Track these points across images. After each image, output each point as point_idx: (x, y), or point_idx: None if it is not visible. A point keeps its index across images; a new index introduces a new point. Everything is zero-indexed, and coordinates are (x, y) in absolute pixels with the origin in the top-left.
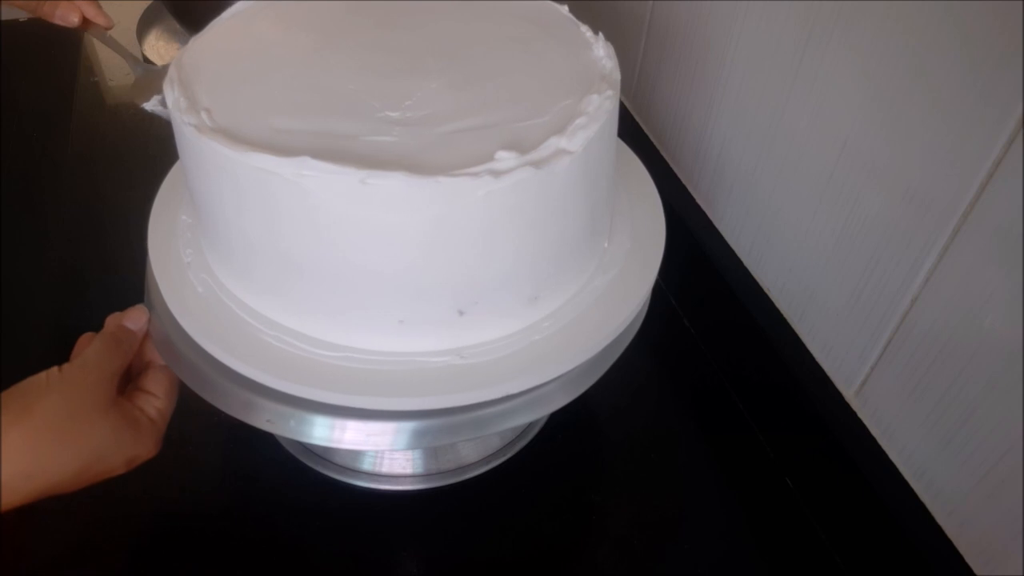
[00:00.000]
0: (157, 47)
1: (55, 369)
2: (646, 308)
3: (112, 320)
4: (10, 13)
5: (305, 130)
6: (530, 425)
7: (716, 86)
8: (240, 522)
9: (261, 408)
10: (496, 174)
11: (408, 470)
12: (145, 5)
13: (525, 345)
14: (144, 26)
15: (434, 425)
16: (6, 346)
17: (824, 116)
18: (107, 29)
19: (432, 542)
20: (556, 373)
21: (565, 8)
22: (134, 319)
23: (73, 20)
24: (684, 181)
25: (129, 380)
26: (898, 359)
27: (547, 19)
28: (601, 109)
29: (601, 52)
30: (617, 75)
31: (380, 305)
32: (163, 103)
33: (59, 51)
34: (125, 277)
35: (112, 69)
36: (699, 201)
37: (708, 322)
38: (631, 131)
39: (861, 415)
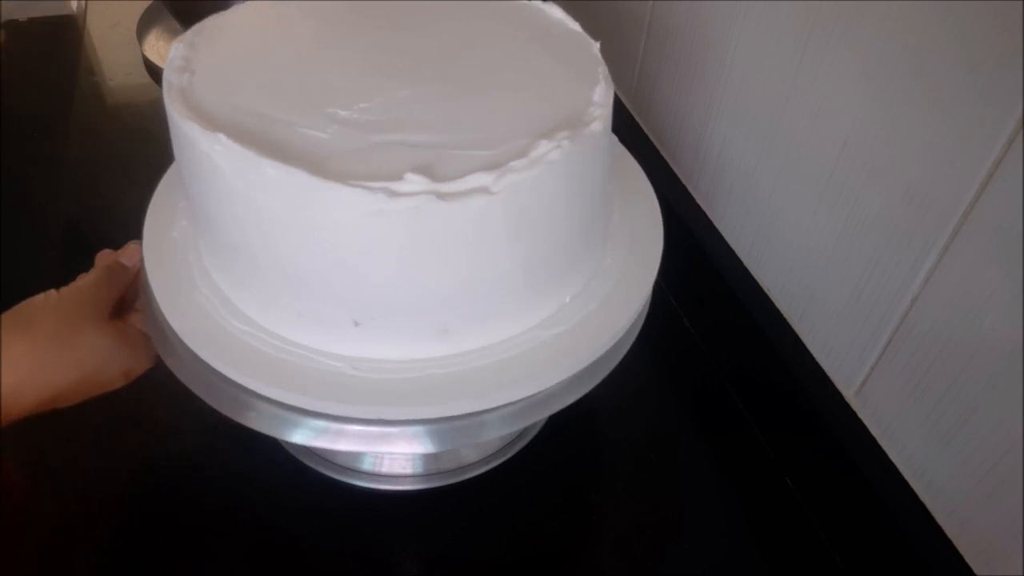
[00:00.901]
0: (157, 47)
1: (53, 291)
2: (647, 309)
3: (105, 255)
4: (10, 13)
5: (252, 112)
6: (530, 425)
7: (716, 86)
8: (240, 522)
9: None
10: (392, 194)
11: (408, 470)
12: (145, 5)
13: (526, 350)
14: (144, 26)
15: (435, 429)
16: None
17: (824, 116)
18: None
19: (432, 542)
20: (554, 381)
21: (581, 30)
22: (129, 255)
23: None
24: (684, 181)
25: (123, 309)
26: (898, 359)
27: (559, 38)
28: (543, 159)
29: (596, 95)
30: (599, 124)
31: (331, 307)
32: None
33: (59, 51)
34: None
35: (112, 69)
36: (699, 201)
37: (708, 322)
38: (631, 131)
39: (861, 415)
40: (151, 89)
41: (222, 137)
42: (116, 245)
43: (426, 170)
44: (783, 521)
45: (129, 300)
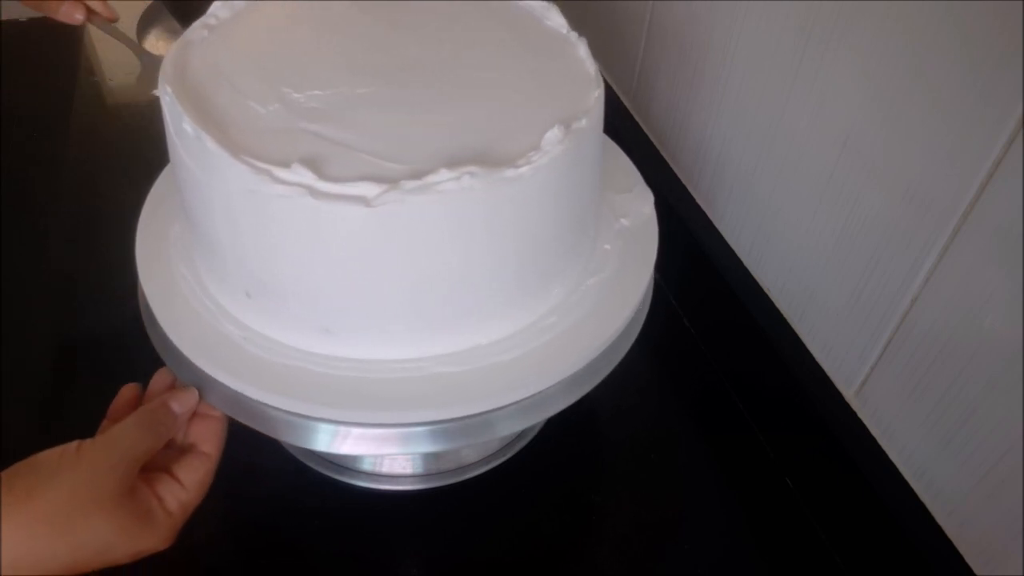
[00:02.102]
0: (157, 47)
1: (73, 446)
2: (647, 308)
3: (158, 385)
4: (10, 13)
5: (222, 78)
6: (530, 425)
7: (716, 86)
8: (240, 522)
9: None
10: (273, 179)
11: (408, 470)
12: (145, 5)
13: (524, 351)
14: (144, 26)
15: (435, 430)
16: (5, 347)
17: (824, 116)
18: (112, 22)
19: (432, 542)
20: (553, 381)
21: (583, 46)
22: (182, 401)
23: (78, 17)
24: (684, 181)
25: (161, 457)
26: (898, 359)
27: (552, 40)
28: (440, 186)
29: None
30: (558, 143)
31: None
32: None
33: (59, 51)
34: (125, 278)
35: (112, 69)
36: (699, 201)
37: (708, 322)
38: (631, 131)
39: (861, 415)
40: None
41: (168, 89)
42: (116, 245)
43: (316, 165)
44: (783, 521)
45: (170, 453)
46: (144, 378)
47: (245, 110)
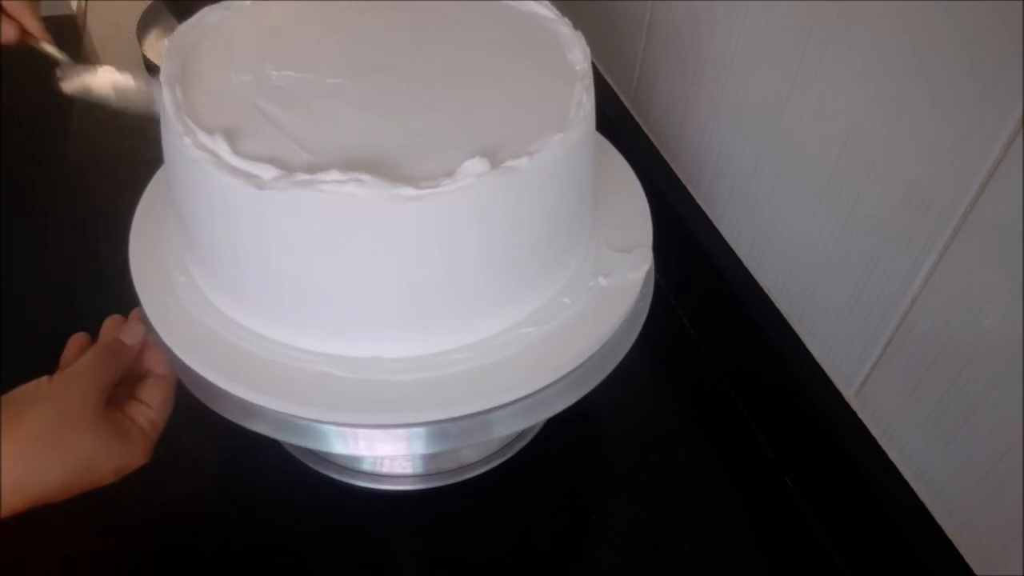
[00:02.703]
0: (157, 47)
1: (45, 379)
2: (647, 308)
3: (109, 328)
4: None
5: (209, 56)
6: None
7: (716, 86)
8: (240, 522)
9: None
10: (196, 143)
11: (408, 470)
12: (145, 5)
13: (520, 350)
14: (144, 26)
15: (436, 430)
16: (4, 347)
17: (824, 116)
18: (43, 42)
19: (432, 542)
20: (551, 379)
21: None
22: (131, 333)
23: (11, 37)
24: (684, 181)
25: (123, 387)
26: (898, 359)
27: (552, 40)
28: (461, 185)
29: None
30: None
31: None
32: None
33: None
34: (125, 279)
35: None
36: (699, 201)
37: (708, 322)
38: (631, 131)
39: (861, 415)
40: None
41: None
42: (116, 246)
43: (230, 136)
44: (783, 521)
45: (133, 377)
46: None
47: (223, 81)
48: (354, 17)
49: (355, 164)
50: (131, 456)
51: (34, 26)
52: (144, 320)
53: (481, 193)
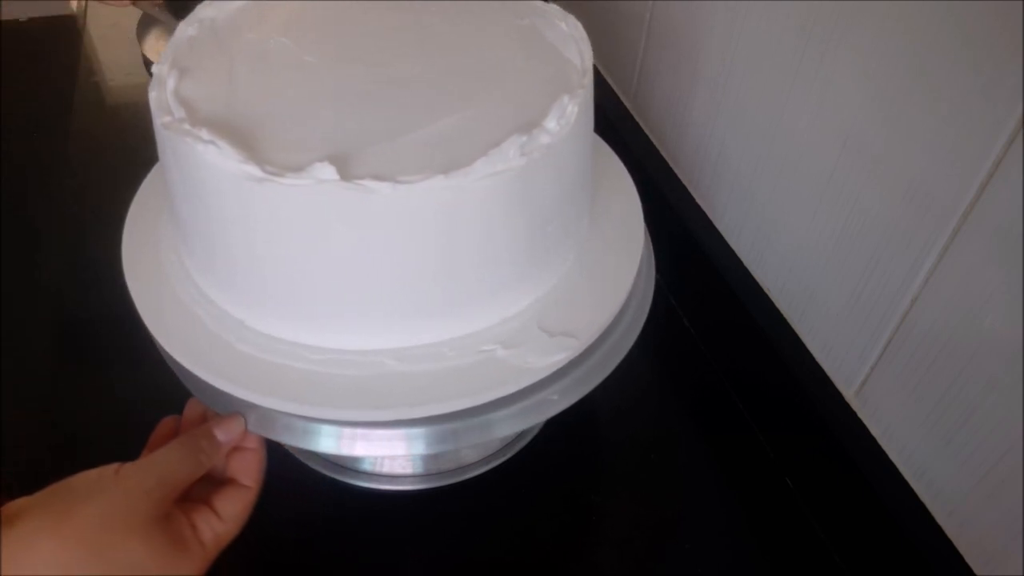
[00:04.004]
0: (157, 47)
1: (112, 468)
2: (648, 308)
3: (193, 414)
4: (10, 13)
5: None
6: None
7: (716, 86)
8: None
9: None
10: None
11: (408, 470)
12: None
13: (523, 341)
14: (144, 26)
15: (436, 431)
16: (5, 347)
17: (824, 116)
18: (157, 4)
19: (432, 542)
20: (549, 371)
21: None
22: (226, 429)
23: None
24: (684, 181)
25: (198, 486)
26: (898, 359)
27: (553, 40)
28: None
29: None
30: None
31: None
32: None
33: (59, 51)
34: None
35: (112, 69)
36: (699, 201)
37: (708, 322)
38: (631, 131)
39: (861, 415)
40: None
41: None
42: (116, 245)
43: (224, 130)
44: (783, 521)
45: (208, 483)
46: (145, 382)
47: (213, 74)
48: (354, 16)
49: (351, 160)
50: (185, 570)
51: None
52: (145, 326)
53: (476, 188)
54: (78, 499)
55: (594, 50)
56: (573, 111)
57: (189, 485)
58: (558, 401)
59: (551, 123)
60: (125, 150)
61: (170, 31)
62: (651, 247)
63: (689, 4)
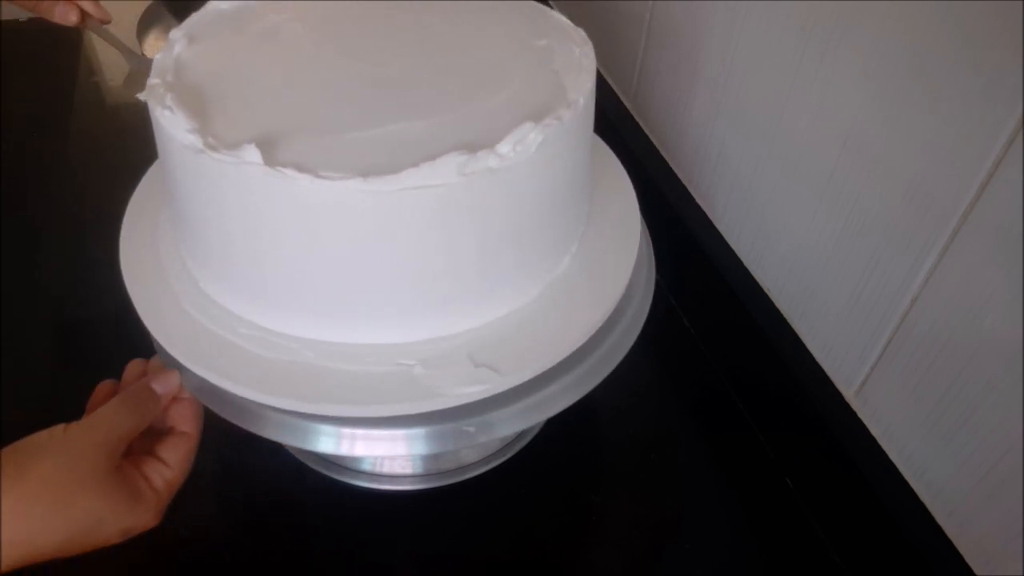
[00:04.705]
0: (157, 47)
1: (60, 428)
2: (648, 308)
3: (132, 374)
4: (10, 13)
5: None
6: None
7: (716, 86)
8: (240, 522)
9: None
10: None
11: (408, 470)
12: (145, 5)
13: (523, 334)
14: (144, 26)
15: (436, 431)
16: (5, 347)
17: (824, 116)
18: (105, 23)
19: (432, 542)
20: (551, 364)
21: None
22: (163, 382)
23: (72, 19)
24: (684, 181)
25: (141, 440)
26: (898, 359)
27: (553, 39)
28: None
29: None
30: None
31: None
32: None
33: (59, 51)
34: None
35: (112, 69)
36: (699, 201)
37: (708, 322)
38: (631, 131)
39: (861, 415)
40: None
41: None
42: (116, 244)
43: (223, 125)
44: (783, 521)
45: (152, 435)
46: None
47: (212, 71)
48: (355, 15)
49: (286, 146)
50: (140, 518)
51: (92, 7)
52: (150, 335)
53: (399, 198)
54: (32, 457)
55: (594, 50)
56: (535, 140)
57: (133, 438)
58: (558, 400)
59: (504, 147)
60: (125, 150)
61: (170, 31)
62: (651, 247)
63: (689, 4)
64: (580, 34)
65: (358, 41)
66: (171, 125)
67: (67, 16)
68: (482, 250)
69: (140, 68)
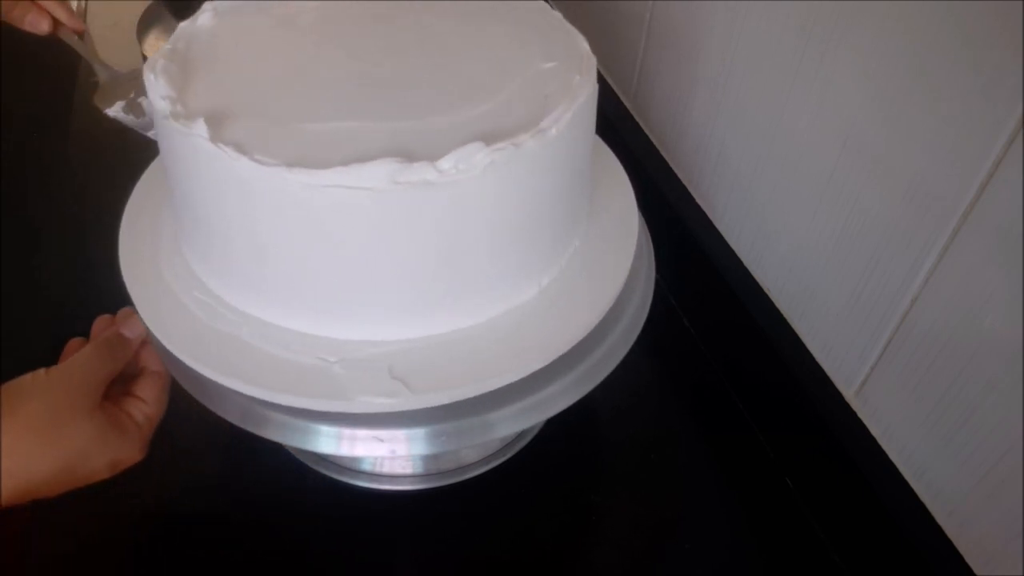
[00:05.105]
0: (157, 47)
1: (41, 371)
2: (648, 308)
3: (100, 326)
4: None
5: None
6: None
7: (716, 86)
8: (240, 523)
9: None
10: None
11: (408, 470)
12: (145, 5)
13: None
14: (144, 26)
15: (435, 430)
16: (5, 347)
17: (824, 116)
18: (78, 34)
19: (432, 542)
20: (551, 358)
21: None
22: (132, 327)
23: (43, 27)
24: (684, 181)
25: (117, 385)
26: (898, 359)
27: (552, 39)
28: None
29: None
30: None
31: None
32: (125, 110)
33: (59, 51)
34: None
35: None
36: (699, 201)
37: (708, 322)
38: (631, 131)
39: (861, 415)
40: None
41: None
42: (116, 245)
43: (224, 121)
44: (783, 521)
45: (129, 374)
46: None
47: (213, 67)
48: (356, 14)
49: (232, 124)
50: (126, 450)
51: (64, 15)
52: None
53: (406, 194)
54: (19, 397)
55: (594, 50)
56: (482, 161)
57: (109, 381)
58: (558, 400)
59: (445, 163)
60: (125, 150)
61: (170, 31)
62: (651, 247)
63: (689, 4)
64: (583, 47)
65: (361, 40)
66: (152, 89)
67: (38, 24)
68: (409, 263)
69: (112, 81)
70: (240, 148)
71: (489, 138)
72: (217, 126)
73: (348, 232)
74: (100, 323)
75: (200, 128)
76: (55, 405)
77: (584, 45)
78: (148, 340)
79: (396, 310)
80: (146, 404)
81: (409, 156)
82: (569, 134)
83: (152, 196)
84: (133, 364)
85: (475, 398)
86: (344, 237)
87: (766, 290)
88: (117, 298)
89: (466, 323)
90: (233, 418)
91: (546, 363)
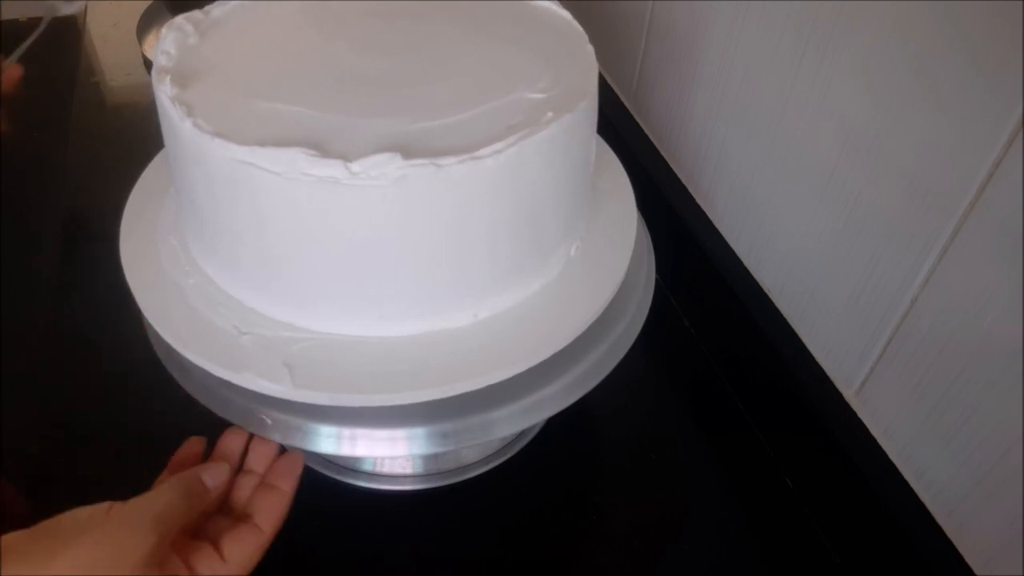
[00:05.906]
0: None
1: (104, 506)
2: (647, 308)
3: (189, 450)
4: (10, 12)
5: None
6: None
7: (716, 86)
8: None
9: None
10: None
11: (408, 470)
12: (145, 5)
13: (523, 326)
14: (144, 26)
15: (436, 431)
16: (5, 347)
17: (824, 116)
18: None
19: (432, 542)
20: (551, 353)
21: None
22: (213, 474)
23: None
24: (684, 181)
25: (214, 521)
26: (898, 359)
27: (552, 38)
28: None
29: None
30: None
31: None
32: None
33: (59, 51)
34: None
35: (112, 69)
36: (699, 201)
37: (708, 322)
38: (631, 131)
39: (861, 415)
40: (151, 89)
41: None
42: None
43: (227, 119)
44: (783, 521)
45: (222, 519)
46: (146, 383)
47: (214, 65)
48: (358, 15)
49: (195, 85)
50: None
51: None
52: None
53: (386, 187)
54: (63, 542)
55: (594, 50)
56: (393, 173)
57: (184, 525)
58: (558, 400)
59: (357, 167)
60: (125, 150)
61: None
62: (651, 247)
63: (689, 4)
64: (585, 46)
65: (368, 36)
66: (162, 39)
67: None
68: (356, 258)
69: None
70: (189, 111)
71: (410, 152)
72: (183, 87)
73: (268, 215)
74: (188, 448)
75: (166, 85)
76: (107, 555)
77: (590, 51)
78: (268, 485)
79: (341, 304)
80: (223, 564)
81: (324, 151)
82: (558, 141)
83: (152, 194)
84: (242, 503)
85: (475, 398)
86: (264, 219)
87: (766, 290)
88: (118, 298)
89: (459, 323)
90: (234, 419)
91: (532, 365)
